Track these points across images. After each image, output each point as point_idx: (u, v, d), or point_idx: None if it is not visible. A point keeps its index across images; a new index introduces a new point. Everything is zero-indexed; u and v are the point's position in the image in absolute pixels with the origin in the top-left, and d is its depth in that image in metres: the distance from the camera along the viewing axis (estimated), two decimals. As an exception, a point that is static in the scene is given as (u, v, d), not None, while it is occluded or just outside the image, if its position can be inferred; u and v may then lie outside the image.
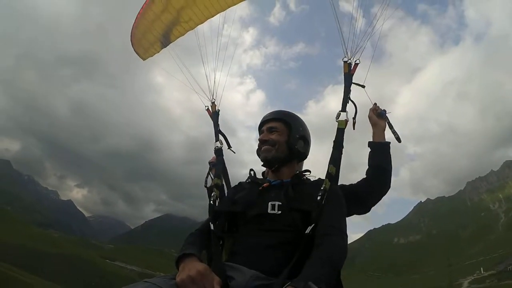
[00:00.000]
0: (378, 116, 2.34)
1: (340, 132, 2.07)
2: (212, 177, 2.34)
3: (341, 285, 1.70)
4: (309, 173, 2.07)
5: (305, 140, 2.08)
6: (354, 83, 2.23)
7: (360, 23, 2.30)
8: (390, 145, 2.28)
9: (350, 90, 2.19)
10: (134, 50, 3.23)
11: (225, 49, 2.75)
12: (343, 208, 1.83)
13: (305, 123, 2.15)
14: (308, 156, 2.17)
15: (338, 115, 2.11)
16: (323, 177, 1.95)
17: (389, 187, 2.21)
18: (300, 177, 2.00)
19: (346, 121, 2.09)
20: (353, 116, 2.16)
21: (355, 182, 2.23)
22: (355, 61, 2.25)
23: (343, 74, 2.25)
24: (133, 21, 3.04)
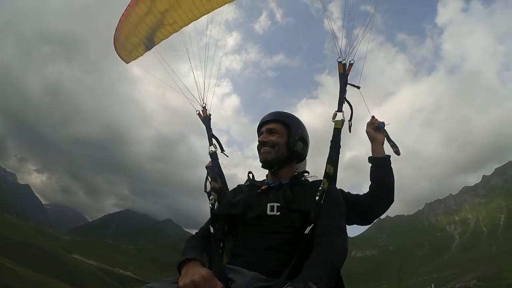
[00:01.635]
0: (376, 130, 2.28)
1: (337, 132, 2.09)
2: (210, 199, 2.29)
3: (342, 284, 1.71)
4: (307, 174, 2.07)
5: (304, 141, 2.07)
6: (349, 84, 2.22)
7: (354, 23, 2.33)
8: (390, 158, 2.25)
9: (345, 90, 2.19)
10: (117, 53, 3.17)
11: (213, 51, 2.76)
12: (341, 207, 1.83)
13: (304, 124, 2.15)
14: (306, 157, 2.16)
15: (335, 115, 2.13)
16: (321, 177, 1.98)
17: (393, 200, 2.19)
18: (298, 178, 2.00)
19: (343, 121, 2.11)
20: (349, 119, 2.15)
21: (361, 194, 2.22)
22: (350, 61, 2.25)
23: (338, 74, 2.24)
24: (116, 23, 2.99)
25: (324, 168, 1.98)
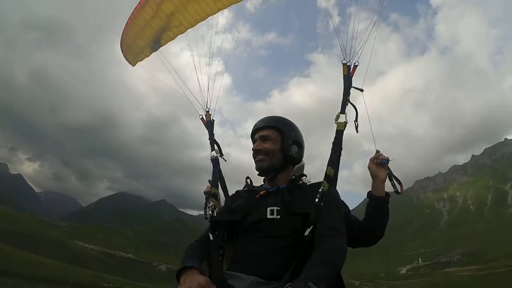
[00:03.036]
0: (378, 165, 2.20)
1: (339, 134, 2.08)
2: (210, 206, 2.27)
3: (342, 285, 1.72)
4: (305, 177, 2.06)
5: (299, 145, 2.04)
6: (353, 87, 2.20)
7: (358, 25, 2.30)
8: (389, 198, 2.19)
9: (349, 93, 2.18)
10: (124, 56, 3.20)
11: (219, 51, 2.88)
12: (341, 209, 1.84)
13: (296, 125, 2.12)
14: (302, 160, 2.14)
15: (337, 117, 2.11)
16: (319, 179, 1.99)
17: (382, 237, 2.19)
18: (296, 182, 1.99)
19: (345, 123, 2.10)
20: (355, 119, 2.15)
21: (358, 219, 2.21)
22: (354, 63, 2.23)
23: (342, 76, 2.22)
24: (123, 27, 3.02)
25: (325, 170, 1.97)
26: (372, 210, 2.17)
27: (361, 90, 2.23)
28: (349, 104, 2.18)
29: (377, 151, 2.26)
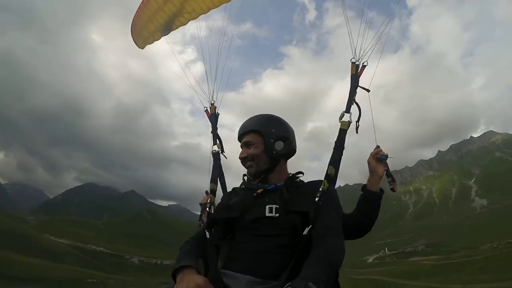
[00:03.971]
0: (377, 161, 2.20)
1: (342, 133, 2.05)
2: (205, 220, 2.21)
3: (338, 285, 1.72)
4: (302, 175, 2.04)
5: (284, 138, 1.97)
6: (359, 86, 2.18)
7: (370, 24, 2.25)
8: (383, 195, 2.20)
9: (356, 92, 2.15)
10: (133, 39, 3.18)
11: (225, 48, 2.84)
12: (340, 209, 1.85)
13: (280, 118, 2.07)
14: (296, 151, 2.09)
15: (342, 116, 2.08)
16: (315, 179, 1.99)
17: (370, 230, 2.20)
18: (293, 180, 1.98)
19: (349, 122, 2.07)
20: (357, 120, 2.12)
21: (346, 214, 2.18)
22: (363, 63, 2.20)
23: (350, 74, 2.20)
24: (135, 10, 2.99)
25: (326, 169, 1.95)
26: (366, 206, 2.16)
27: (368, 91, 2.19)
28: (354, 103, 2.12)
29: (377, 147, 2.23)
